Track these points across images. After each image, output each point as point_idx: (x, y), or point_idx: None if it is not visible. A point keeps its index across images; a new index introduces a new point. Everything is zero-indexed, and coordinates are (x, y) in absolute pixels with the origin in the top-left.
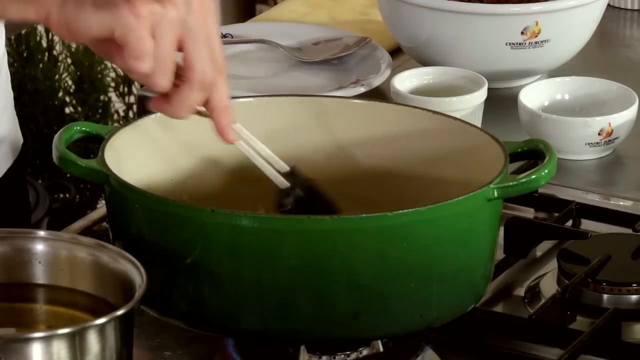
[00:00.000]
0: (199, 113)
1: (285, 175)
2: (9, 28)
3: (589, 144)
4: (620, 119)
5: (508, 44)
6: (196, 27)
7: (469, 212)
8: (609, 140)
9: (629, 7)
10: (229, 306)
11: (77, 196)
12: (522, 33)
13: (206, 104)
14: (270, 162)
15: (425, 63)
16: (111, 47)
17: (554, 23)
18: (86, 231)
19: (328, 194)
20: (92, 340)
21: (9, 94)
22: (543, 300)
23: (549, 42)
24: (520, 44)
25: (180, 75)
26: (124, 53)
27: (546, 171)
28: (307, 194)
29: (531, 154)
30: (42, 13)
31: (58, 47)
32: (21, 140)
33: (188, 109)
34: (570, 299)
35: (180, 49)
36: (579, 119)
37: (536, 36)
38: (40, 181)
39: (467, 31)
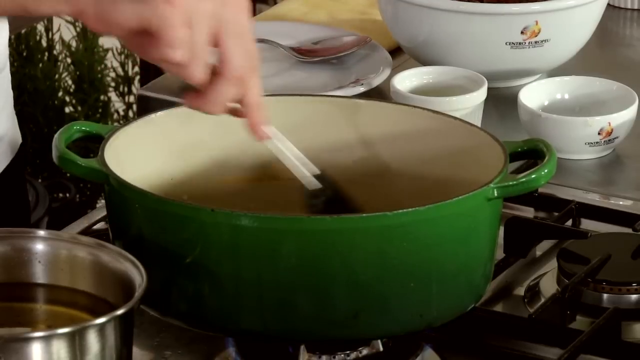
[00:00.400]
0: (232, 111)
1: (315, 177)
2: (9, 28)
3: (588, 143)
4: (620, 118)
5: (508, 44)
6: (230, 21)
7: (469, 212)
8: (609, 140)
9: (629, 6)
10: (229, 306)
11: (77, 196)
12: (521, 33)
13: (240, 102)
14: (300, 163)
15: (425, 63)
16: (145, 39)
17: (553, 23)
18: (86, 231)
19: (355, 198)
20: (92, 340)
21: (9, 93)
22: (543, 300)
23: (548, 41)
24: (520, 43)
25: (215, 72)
26: (158, 43)
27: (546, 171)
28: (335, 196)
29: (531, 154)
30: (76, 8)
31: (58, 47)
32: (20, 139)
33: (222, 104)
34: (570, 299)
35: (215, 45)
36: (579, 119)
37: (536, 36)
38: (40, 181)
39: (467, 31)
